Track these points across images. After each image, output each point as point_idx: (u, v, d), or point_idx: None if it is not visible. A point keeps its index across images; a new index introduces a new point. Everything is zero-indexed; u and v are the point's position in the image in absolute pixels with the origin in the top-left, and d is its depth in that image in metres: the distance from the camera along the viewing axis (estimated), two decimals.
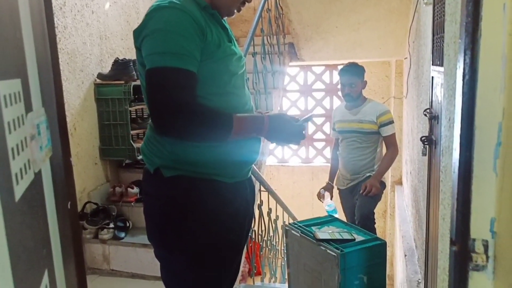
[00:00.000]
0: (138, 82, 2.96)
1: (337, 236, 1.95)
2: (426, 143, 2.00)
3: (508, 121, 0.72)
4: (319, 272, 1.94)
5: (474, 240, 0.77)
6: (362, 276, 1.88)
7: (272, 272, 3.46)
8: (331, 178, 3.43)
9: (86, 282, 0.98)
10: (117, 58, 3.20)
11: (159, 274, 1.46)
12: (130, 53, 3.62)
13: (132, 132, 3.19)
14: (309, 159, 6.67)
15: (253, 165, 1.49)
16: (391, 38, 4.51)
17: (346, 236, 1.97)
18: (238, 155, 1.35)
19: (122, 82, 3.09)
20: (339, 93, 5.80)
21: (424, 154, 2.10)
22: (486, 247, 0.76)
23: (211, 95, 1.28)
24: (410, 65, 3.86)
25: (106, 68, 3.30)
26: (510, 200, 0.73)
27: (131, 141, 3.15)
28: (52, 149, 0.76)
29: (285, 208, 3.50)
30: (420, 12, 3.15)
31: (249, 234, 1.70)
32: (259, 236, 3.08)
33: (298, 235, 2.05)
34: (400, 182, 5.27)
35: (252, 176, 1.58)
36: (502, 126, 0.72)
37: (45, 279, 0.64)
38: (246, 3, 1.38)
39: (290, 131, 1.34)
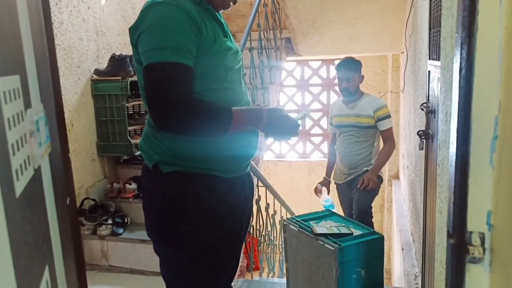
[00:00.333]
0: (135, 78, 2.95)
1: (335, 231, 1.96)
2: (423, 137, 2.01)
3: (505, 114, 0.72)
4: (317, 266, 1.95)
5: (471, 233, 0.78)
6: (360, 270, 1.89)
7: (270, 267, 3.47)
8: (328, 173, 3.44)
9: (86, 277, 0.98)
10: (114, 54, 3.20)
11: (157, 270, 1.46)
12: (126, 49, 3.61)
13: (130, 128, 3.19)
14: (306, 154, 6.68)
15: (251, 160, 1.49)
16: (387, 33, 4.52)
17: (344, 230, 1.98)
18: (236, 150, 1.36)
19: (119, 78, 3.08)
20: (336, 88, 5.81)
21: (421, 148, 2.11)
22: (482, 239, 0.77)
23: (207, 91, 1.28)
24: (407, 59, 3.87)
25: (103, 64, 3.29)
26: (506, 193, 0.74)
27: (129, 137, 3.15)
28: (51, 145, 0.77)
29: (282, 203, 3.51)
30: (417, 7, 3.15)
31: (248, 229, 1.71)
32: (257, 231, 3.09)
33: (296, 229, 2.06)
34: (397, 177, 5.29)
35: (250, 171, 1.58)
36: (499, 119, 0.73)
37: (46, 275, 0.65)
38: None
39: (287, 125, 1.35)
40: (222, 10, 1.40)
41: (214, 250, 1.36)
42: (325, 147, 6.44)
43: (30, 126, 0.63)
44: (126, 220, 3.06)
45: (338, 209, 3.11)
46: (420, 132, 2.01)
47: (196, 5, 1.26)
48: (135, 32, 1.25)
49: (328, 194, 3.36)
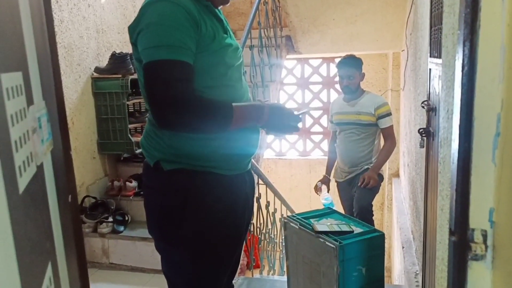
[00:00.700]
0: (135, 76, 2.95)
1: (336, 228, 1.96)
2: (423, 135, 2.01)
3: (507, 111, 0.72)
4: (318, 264, 1.95)
5: (473, 230, 0.78)
6: (361, 268, 1.89)
7: (271, 265, 3.48)
8: (328, 171, 3.44)
9: (88, 274, 0.98)
10: (114, 51, 3.20)
11: (158, 267, 1.47)
12: (127, 47, 3.61)
13: (130, 126, 3.19)
14: (307, 152, 6.68)
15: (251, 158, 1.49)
16: (388, 31, 4.52)
17: (345, 228, 1.98)
18: (237, 147, 1.36)
19: (120, 76, 3.08)
20: (337, 86, 5.81)
21: (421, 146, 2.10)
22: (485, 237, 0.77)
23: (207, 88, 1.28)
24: (407, 57, 3.87)
25: (103, 62, 3.29)
26: (508, 190, 0.74)
27: (129, 135, 3.15)
28: (52, 143, 0.76)
29: (283, 201, 3.51)
30: (417, 4, 3.15)
31: (249, 226, 1.71)
32: (258, 229, 3.09)
33: (297, 227, 2.06)
34: (397, 175, 5.29)
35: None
36: (501, 116, 0.73)
37: (49, 272, 0.65)
38: None
39: (289, 119, 1.35)
40: (221, 6, 1.39)
41: (215, 248, 1.36)
42: (325, 145, 6.44)
43: (33, 123, 0.63)
44: (126, 218, 3.07)
45: (338, 207, 3.11)
46: (421, 130, 2.01)
47: (195, 2, 1.25)
48: (134, 30, 1.24)
49: (328, 192, 3.37)
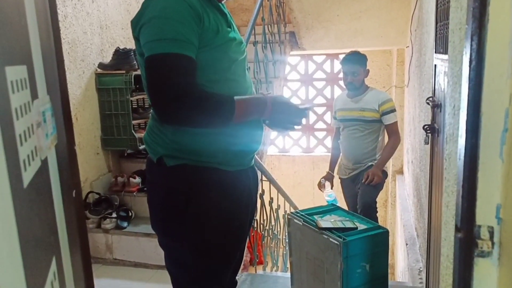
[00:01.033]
0: (139, 72, 2.95)
1: (340, 225, 1.96)
2: (428, 131, 2.00)
3: None
4: (321, 261, 1.95)
5: (479, 226, 0.77)
6: (365, 265, 1.89)
7: (274, 261, 3.48)
8: (332, 168, 3.44)
9: (92, 269, 0.98)
10: (118, 47, 3.19)
11: (162, 263, 1.47)
12: (130, 43, 3.60)
13: (134, 122, 3.19)
14: (310, 149, 6.67)
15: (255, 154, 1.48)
16: (392, 27, 4.49)
17: (349, 224, 1.97)
18: (240, 143, 1.35)
19: (123, 71, 3.08)
20: (341, 82, 5.79)
21: (426, 143, 2.09)
22: (491, 233, 0.76)
23: (211, 82, 1.27)
24: (412, 53, 3.85)
25: (107, 58, 3.28)
26: None
27: (133, 131, 3.15)
28: (57, 137, 0.76)
29: (286, 198, 3.51)
30: (423, 0, 3.13)
31: (252, 222, 1.70)
32: (261, 226, 3.09)
33: (301, 223, 2.06)
34: (401, 172, 5.28)
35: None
36: (509, 112, 0.72)
37: (53, 266, 0.65)
38: None
39: (292, 111, 1.33)
40: (225, 0, 1.39)
41: (218, 243, 1.36)
42: (328, 141, 6.42)
43: (37, 117, 0.62)
44: (130, 214, 3.07)
45: (342, 204, 3.10)
46: (425, 127, 2.00)
47: None
48: (136, 24, 1.24)
49: (331, 188, 3.36)
